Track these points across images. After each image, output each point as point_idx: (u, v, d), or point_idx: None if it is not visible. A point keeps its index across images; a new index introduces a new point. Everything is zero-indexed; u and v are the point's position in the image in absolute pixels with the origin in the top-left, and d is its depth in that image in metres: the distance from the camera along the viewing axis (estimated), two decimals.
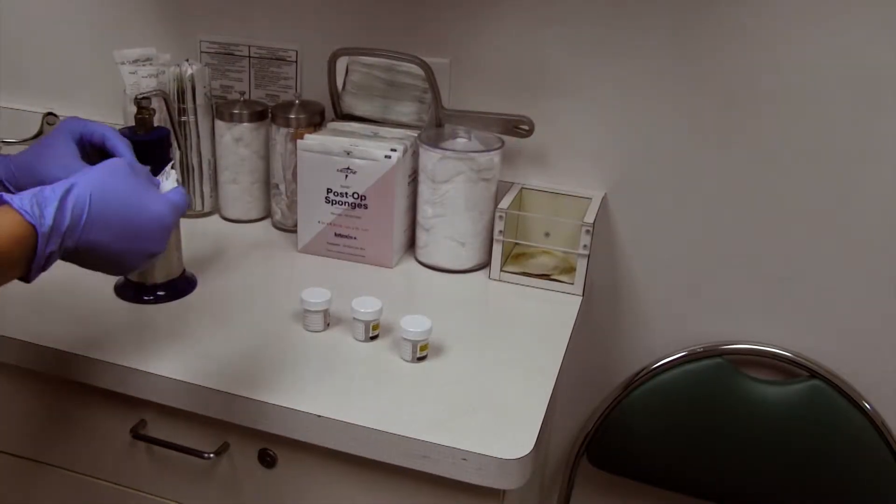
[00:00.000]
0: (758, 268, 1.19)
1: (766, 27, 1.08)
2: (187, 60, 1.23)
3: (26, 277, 0.65)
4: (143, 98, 1.03)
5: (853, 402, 1.17)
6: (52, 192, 0.65)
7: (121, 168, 0.71)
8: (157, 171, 1.00)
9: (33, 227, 0.63)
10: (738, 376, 1.21)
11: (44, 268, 0.66)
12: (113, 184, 0.69)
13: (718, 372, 1.22)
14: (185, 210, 0.77)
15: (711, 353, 1.23)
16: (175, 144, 1.19)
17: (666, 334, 1.27)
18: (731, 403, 1.21)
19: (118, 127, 1.06)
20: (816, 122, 1.10)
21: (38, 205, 0.64)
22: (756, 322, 1.22)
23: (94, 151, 0.86)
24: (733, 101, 1.12)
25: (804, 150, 1.12)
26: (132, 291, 1.02)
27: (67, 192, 0.65)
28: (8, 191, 0.79)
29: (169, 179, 0.79)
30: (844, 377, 1.18)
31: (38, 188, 0.66)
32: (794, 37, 1.07)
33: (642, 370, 1.27)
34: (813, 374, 1.19)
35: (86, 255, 0.68)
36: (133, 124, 1.04)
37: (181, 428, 0.92)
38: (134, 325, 0.97)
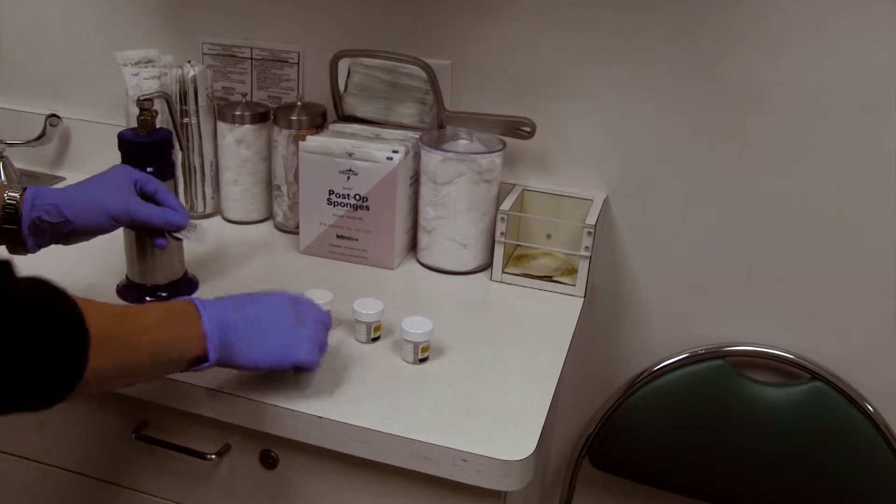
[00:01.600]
0: (759, 269, 1.19)
1: (766, 29, 1.08)
2: (189, 62, 1.23)
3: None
4: (146, 100, 1.03)
5: (855, 403, 1.17)
6: (228, 318, 0.77)
7: (283, 302, 0.82)
8: (159, 171, 1.00)
9: (207, 348, 0.74)
10: (740, 378, 1.21)
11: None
12: (271, 316, 0.80)
13: (720, 374, 1.22)
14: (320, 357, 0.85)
15: (713, 354, 1.23)
16: (177, 146, 1.19)
17: (667, 336, 1.27)
18: (732, 405, 1.21)
19: (121, 128, 1.07)
20: (817, 124, 1.10)
21: (218, 330, 0.75)
22: (757, 324, 1.22)
23: (144, 197, 0.92)
24: (734, 103, 1.12)
25: (805, 152, 1.12)
26: (134, 292, 1.02)
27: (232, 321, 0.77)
28: (41, 223, 0.85)
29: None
30: (846, 379, 1.18)
31: (219, 316, 0.76)
32: (795, 39, 1.07)
33: (644, 372, 1.27)
34: (814, 375, 1.19)
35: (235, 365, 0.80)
36: (135, 126, 1.04)
37: (183, 429, 0.92)
38: None
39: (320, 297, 0.97)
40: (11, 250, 0.86)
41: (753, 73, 1.10)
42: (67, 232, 0.87)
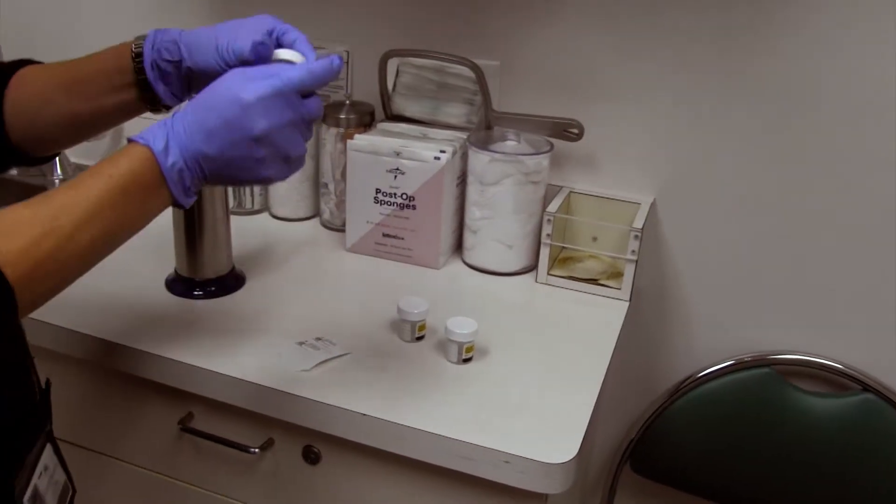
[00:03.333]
0: (809, 276, 1.17)
1: (819, 35, 1.06)
2: None
3: (177, 202, 0.70)
4: None
5: None
6: (162, 122, 0.69)
7: (227, 76, 0.70)
8: None
9: (149, 147, 0.67)
10: (787, 387, 1.19)
11: (185, 188, 0.69)
12: (208, 93, 0.69)
13: (766, 382, 1.20)
14: (276, 83, 0.70)
15: (759, 362, 1.21)
16: None
17: (713, 342, 1.25)
18: (778, 415, 1.19)
19: None
20: (871, 132, 1.07)
21: (150, 131, 0.69)
22: (806, 332, 1.20)
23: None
24: (784, 109, 1.10)
25: (857, 160, 1.09)
26: (182, 286, 1.04)
27: (173, 114, 0.70)
28: (162, 63, 0.79)
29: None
30: None
31: (159, 122, 0.69)
32: (855, 44, 1.05)
33: (688, 378, 1.25)
34: (865, 387, 1.16)
35: (210, 168, 0.69)
36: None
37: (227, 422, 0.93)
38: (183, 320, 0.99)
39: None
40: (153, 110, 0.82)
41: (805, 80, 1.08)
42: (186, 73, 0.79)
